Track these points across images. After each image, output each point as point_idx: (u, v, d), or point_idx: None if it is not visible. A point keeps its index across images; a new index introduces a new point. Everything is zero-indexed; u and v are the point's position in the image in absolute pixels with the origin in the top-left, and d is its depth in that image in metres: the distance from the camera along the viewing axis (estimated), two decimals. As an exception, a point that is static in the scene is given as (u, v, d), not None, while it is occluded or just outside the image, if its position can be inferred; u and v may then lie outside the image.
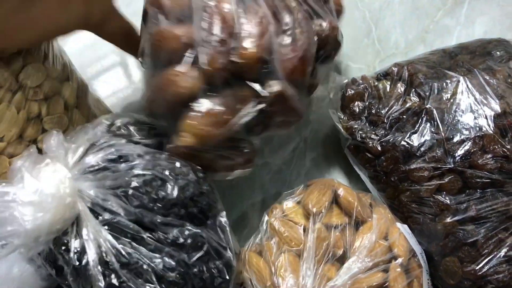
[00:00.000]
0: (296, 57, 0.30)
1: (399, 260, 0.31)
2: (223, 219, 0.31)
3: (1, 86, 0.31)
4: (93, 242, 0.28)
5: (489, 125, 0.34)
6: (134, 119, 0.34)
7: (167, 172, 0.30)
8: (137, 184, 0.29)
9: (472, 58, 0.38)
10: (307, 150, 0.44)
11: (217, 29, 0.29)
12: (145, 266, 0.28)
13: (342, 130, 0.39)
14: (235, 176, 0.33)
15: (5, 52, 0.33)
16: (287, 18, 0.30)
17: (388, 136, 0.36)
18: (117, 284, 0.27)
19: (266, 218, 0.34)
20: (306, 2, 0.31)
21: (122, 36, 0.36)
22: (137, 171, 0.29)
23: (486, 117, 0.34)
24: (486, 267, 0.32)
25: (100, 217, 0.29)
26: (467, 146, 0.34)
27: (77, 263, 0.28)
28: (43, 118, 0.34)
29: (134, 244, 0.28)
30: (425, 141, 0.35)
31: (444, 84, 0.36)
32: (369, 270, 0.30)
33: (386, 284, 0.30)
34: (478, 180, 0.33)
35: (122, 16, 0.35)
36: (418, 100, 0.36)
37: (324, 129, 0.44)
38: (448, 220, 0.33)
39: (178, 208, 0.29)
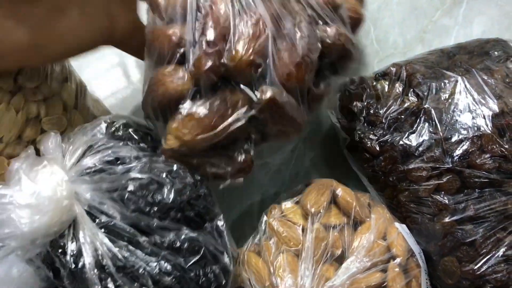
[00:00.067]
0: (292, 62, 0.28)
1: (398, 260, 0.31)
2: (220, 222, 0.31)
3: (0, 88, 0.31)
4: (90, 245, 0.28)
5: (487, 125, 0.34)
6: (133, 121, 0.34)
7: (163, 175, 0.30)
8: (133, 188, 0.29)
9: (470, 58, 0.38)
10: (306, 150, 0.44)
11: (208, 31, 0.29)
12: (141, 270, 0.28)
13: (341, 130, 0.39)
14: (226, 185, 0.32)
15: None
16: (287, 22, 0.29)
17: (386, 136, 0.36)
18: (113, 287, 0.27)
19: (265, 218, 0.34)
20: (311, 7, 0.30)
21: None
22: (133, 174, 0.29)
23: (484, 117, 0.34)
24: (485, 267, 0.32)
25: (97, 220, 0.28)
26: (465, 146, 0.34)
27: (73, 266, 0.28)
28: (41, 119, 0.34)
29: (130, 247, 0.28)
30: (423, 141, 0.35)
31: (442, 84, 0.36)
32: (367, 270, 0.30)
33: (384, 284, 0.30)
34: (476, 179, 0.33)
35: None
36: (416, 100, 0.36)
37: (323, 129, 0.44)
38: (447, 220, 0.33)
39: (175, 212, 0.29)
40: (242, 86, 0.29)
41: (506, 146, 0.33)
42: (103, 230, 0.28)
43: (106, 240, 0.28)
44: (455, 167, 0.33)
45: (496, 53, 0.37)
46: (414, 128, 0.35)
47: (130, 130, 0.33)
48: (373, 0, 0.50)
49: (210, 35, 0.28)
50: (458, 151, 0.34)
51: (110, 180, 0.29)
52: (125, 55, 0.37)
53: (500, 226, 0.33)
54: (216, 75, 0.29)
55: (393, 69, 0.39)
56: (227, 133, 0.29)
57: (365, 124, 0.38)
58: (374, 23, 0.49)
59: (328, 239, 0.31)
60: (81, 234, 0.28)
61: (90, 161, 0.30)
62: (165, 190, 0.29)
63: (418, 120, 0.35)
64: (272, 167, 0.43)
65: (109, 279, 0.27)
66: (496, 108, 0.34)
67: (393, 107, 0.37)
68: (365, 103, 0.38)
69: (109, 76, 0.49)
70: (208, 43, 0.28)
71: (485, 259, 0.32)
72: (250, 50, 0.28)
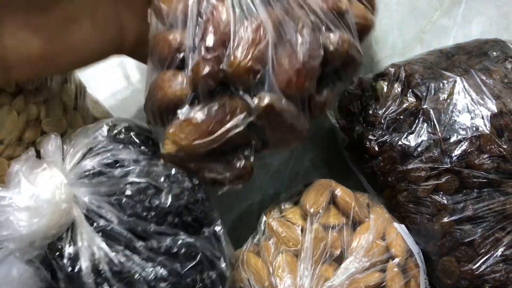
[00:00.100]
0: (292, 69, 0.28)
1: (396, 260, 0.31)
2: (218, 228, 0.31)
3: (2, 90, 0.32)
4: (87, 249, 0.28)
5: (485, 125, 0.34)
6: (135, 125, 0.34)
7: (161, 180, 0.30)
8: (130, 193, 0.29)
9: (468, 58, 0.38)
10: (305, 150, 0.44)
11: (208, 36, 0.28)
12: (137, 275, 0.28)
13: (340, 130, 0.39)
14: (224, 191, 0.32)
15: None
16: (289, 29, 0.28)
17: (385, 137, 0.36)
18: (109, 292, 0.27)
19: (264, 218, 0.34)
20: (315, 13, 0.29)
21: None
22: (131, 179, 0.29)
23: (482, 117, 0.34)
24: (483, 267, 0.32)
25: (95, 224, 0.29)
26: (464, 146, 0.34)
27: (70, 269, 0.28)
28: (42, 121, 0.34)
29: (127, 252, 0.28)
30: (422, 141, 0.35)
31: (441, 84, 0.36)
32: (366, 270, 0.31)
33: (383, 284, 0.30)
34: (475, 180, 0.33)
35: None
36: (415, 100, 0.36)
37: (322, 130, 0.45)
38: (445, 220, 0.33)
39: (172, 217, 0.29)
40: (240, 92, 0.29)
41: (505, 146, 0.33)
42: (100, 234, 0.28)
43: (103, 245, 0.28)
44: (454, 167, 0.33)
45: (494, 53, 0.38)
46: (413, 129, 0.35)
47: (131, 133, 0.33)
48: (372, 0, 0.50)
49: (209, 40, 0.28)
50: (457, 152, 0.34)
51: (109, 184, 0.29)
52: (124, 55, 0.37)
53: (498, 226, 0.33)
54: (215, 81, 0.29)
55: (392, 70, 0.39)
56: (225, 139, 0.29)
57: (364, 125, 0.38)
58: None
59: (327, 239, 0.31)
60: (78, 238, 0.28)
61: (89, 164, 0.30)
62: (163, 195, 0.29)
63: (417, 120, 0.35)
64: (272, 167, 0.43)
65: (105, 284, 0.27)
66: (494, 108, 0.34)
67: (392, 107, 0.37)
68: (364, 104, 0.38)
69: (109, 76, 0.49)
70: (207, 48, 0.28)
71: (483, 259, 0.33)
72: (249, 56, 0.28)
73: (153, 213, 0.29)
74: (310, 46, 0.28)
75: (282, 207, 0.34)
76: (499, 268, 0.32)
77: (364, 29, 0.32)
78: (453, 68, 0.37)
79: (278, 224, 0.32)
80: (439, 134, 0.34)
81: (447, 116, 0.35)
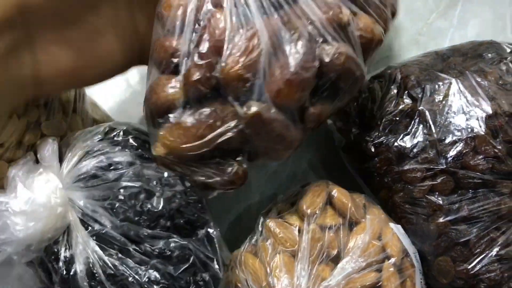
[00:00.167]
0: (283, 79, 0.28)
1: (392, 260, 0.32)
2: (211, 229, 0.32)
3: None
4: (82, 253, 0.29)
5: (480, 127, 0.34)
6: (133, 128, 0.35)
7: (154, 183, 0.30)
8: (123, 197, 0.29)
9: (464, 60, 0.38)
10: (302, 152, 0.44)
11: (202, 43, 0.29)
12: (130, 278, 0.28)
13: (336, 132, 0.40)
14: (214, 195, 0.32)
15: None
16: (284, 39, 0.28)
17: (381, 138, 0.37)
18: (103, 296, 0.28)
19: (261, 219, 0.34)
20: (313, 24, 0.29)
21: None
22: (124, 183, 0.30)
23: (477, 119, 0.34)
24: (478, 266, 0.33)
25: (90, 228, 0.29)
26: (459, 147, 0.34)
27: (65, 272, 0.29)
28: (41, 123, 0.34)
29: (120, 255, 0.29)
30: (417, 142, 0.35)
31: (437, 86, 0.36)
32: (362, 270, 0.31)
33: (379, 284, 0.31)
34: (470, 180, 0.33)
35: None
36: (411, 102, 0.37)
37: (319, 131, 0.45)
38: (441, 220, 0.34)
39: (164, 220, 0.30)
40: (229, 99, 0.29)
41: (499, 147, 0.33)
42: (94, 238, 0.29)
43: (97, 248, 0.29)
44: (449, 168, 0.34)
45: (489, 55, 0.38)
46: (408, 130, 0.36)
47: (129, 136, 0.34)
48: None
49: (203, 47, 0.29)
50: (452, 152, 0.34)
51: (103, 188, 0.30)
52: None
53: (493, 226, 0.33)
54: (206, 87, 0.29)
55: (388, 72, 0.39)
56: (215, 145, 0.29)
57: (361, 126, 0.38)
58: (370, 26, 0.49)
59: (324, 239, 0.32)
60: (74, 242, 0.29)
61: (84, 167, 0.30)
62: (155, 199, 0.30)
63: (413, 122, 0.36)
64: (270, 168, 0.44)
65: (99, 287, 0.28)
66: (489, 109, 0.34)
67: (388, 109, 0.37)
68: (361, 105, 0.39)
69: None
70: (200, 55, 0.29)
71: (479, 259, 0.33)
72: (239, 64, 0.28)
73: (145, 217, 0.30)
74: (303, 57, 0.28)
75: (280, 208, 0.35)
76: (494, 267, 0.33)
77: (369, 43, 0.31)
78: (449, 70, 0.37)
79: (276, 225, 0.33)
80: (435, 135, 0.35)
81: (443, 118, 0.35)
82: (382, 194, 0.37)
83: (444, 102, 0.36)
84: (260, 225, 0.34)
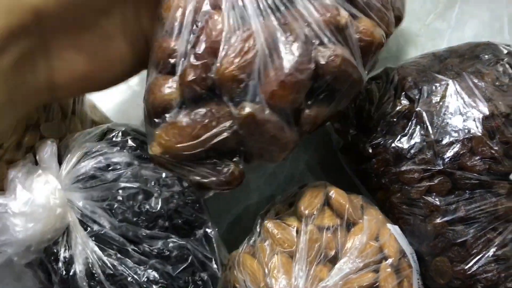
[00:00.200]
0: (277, 80, 0.28)
1: (390, 261, 0.32)
2: (209, 229, 0.32)
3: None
4: (81, 253, 0.29)
5: (477, 127, 0.34)
6: (132, 129, 0.35)
7: (152, 184, 0.31)
8: (121, 198, 0.30)
9: (461, 61, 0.38)
10: (300, 153, 0.45)
11: (199, 44, 0.29)
12: (129, 278, 0.28)
13: (334, 133, 0.40)
14: (210, 195, 0.32)
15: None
16: (281, 40, 0.28)
17: (379, 139, 0.37)
18: (102, 295, 0.28)
19: (259, 220, 0.34)
20: (309, 26, 0.29)
21: None
22: (123, 184, 0.30)
23: (474, 120, 0.34)
24: (475, 267, 0.33)
25: (89, 229, 0.29)
26: (456, 148, 0.34)
27: (64, 273, 0.29)
28: (40, 125, 0.34)
29: (119, 256, 0.29)
30: (415, 143, 0.35)
31: (434, 87, 0.37)
32: (360, 270, 0.31)
33: (376, 284, 0.31)
34: (467, 181, 0.34)
35: None
36: (408, 103, 0.37)
37: (317, 133, 0.45)
38: (438, 220, 0.34)
39: (162, 220, 0.30)
40: (224, 99, 0.29)
41: (496, 148, 0.34)
42: (93, 238, 0.29)
43: (96, 249, 0.29)
44: (446, 169, 0.34)
45: (486, 56, 0.38)
46: (406, 131, 0.36)
47: (128, 138, 0.34)
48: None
49: (199, 48, 0.29)
50: (449, 153, 0.34)
51: (101, 188, 0.30)
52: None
53: (490, 226, 0.33)
54: (201, 87, 0.29)
55: (386, 73, 0.39)
56: (210, 145, 0.29)
57: (358, 127, 0.39)
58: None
59: (321, 240, 0.32)
60: (73, 242, 0.29)
61: (83, 168, 0.30)
62: (153, 199, 0.30)
63: (410, 123, 0.36)
64: (268, 170, 0.44)
65: (98, 287, 0.28)
66: (486, 110, 0.34)
67: (385, 110, 0.37)
68: (358, 106, 0.39)
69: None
70: (196, 55, 0.29)
71: (475, 259, 0.33)
72: (234, 65, 0.28)
73: (143, 218, 0.30)
74: (298, 59, 0.28)
75: (278, 209, 0.35)
76: (491, 268, 0.33)
77: (369, 46, 0.30)
78: (446, 71, 0.38)
79: (274, 226, 0.33)
80: (432, 136, 0.35)
81: (440, 119, 0.35)
82: (379, 195, 0.37)
83: (441, 103, 0.36)
84: (258, 226, 0.34)
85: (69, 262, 0.29)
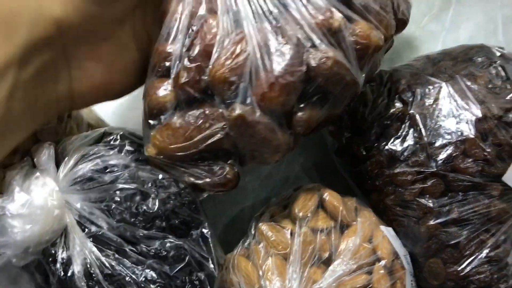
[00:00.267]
0: (267, 82, 0.28)
1: (383, 262, 0.32)
2: (205, 230, 0.32)
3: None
4: (79, 254, 0.29)
5: (470, 130, 0.34)
6: (129, 133, 0.36)
7: (149, 185, 0.31)
8: (119, 199, 0.30)
9: (454, 64, 0.39)
10: (296, 155, 0.45)
11: (193, 47, 0.30)
12: (127, 278, 0.29)
13: (328, 135, 0.40)
14: (204, 197, 0.33)
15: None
16: (273, 43, 0.29)
17: (372, 141, 0.37)
18: (100, 295, 0.28)
19: (254, 222, 0.35)
20: (302, 29, 0.29)
21: None
22: (120, 185, 0.30)
23: (467, 122, 0.35)
24: (468, 268, 0.33)
25: (87, 230, 0.30)
26: (449, 150, 0.34)
27: (62, 274, 0.29)
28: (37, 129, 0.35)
29: (117, 256, 0.29)
30: (408, 145, 0.36)
31: (427, 90, 0.37)
32: (353, 272, 0.31)
33: (370, 286, 0.31)
34: (460, 183, 0.34)
35: None
36: (401, 106, 0.37)
37: (312, 135, 0.45)
38: (431, 222, 0.34)
39: (159, 221, 0.31)
40: (216, 101, 0.30)
41: (489, 150, 0.34)
42: (91, 239, 0.29)
43: (94, 249, 0.29)
44: (439, 171, 0.34)
45: (479, 59, 0.38)
46: (399, 134, 0.36)
47: (125, 141, 0.34)
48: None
49: (193, 51, 0.30)
50: (442, 156, 0.34)
51: (99, 190, 0.30)
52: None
53: (483, 228, 0.33)
54: (195, 89, 0.30)
55: (380, 76, 0.40)
56: (204, 146, 0.30)
57: (352, 130, 0.39)
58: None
59: (315, 242, 0.32)
60: (71, 243, 0.29)
61: (81, 170, 0.31)
62: (150, 200, 0.31)
63: (403, 125, 0.36)
64: (263, 172, 0.44)
65: (96, 287, 0.28)
66: (479, 113, 0.35)
67: (379, 113, 0.38)
68: (352, 109, 0.39)
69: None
70: (190, 58, 0.30)
71: (469, 261, 0.33)
72: (225, 68, 0.28)
73: (141, 218, 0.30)
74: (289, 61, 0.28)
75: (272, 211, 0.35)
76: (484, 269, 0.33)
77: (365, 49, 0.30)
78: (439, 73, 0.38)
79: (268, 228, 0.33)
80: (425, 139, 0.35)
81: (433, 121, 0.35)
82: (373, 197, 0.38)
83: (434, 105, 0.36)
84: (253, 229, 0.34)
85: (67, 263, 0.30)
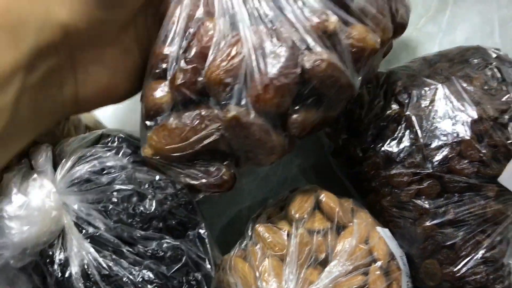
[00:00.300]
0: (261, 84, 0.28)
1: (379, 263, 0.32)
2: (202, 230, 0.33)
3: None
4: (77, 255, 0.29)
5: (466, 131, 0.35)
6: (127, 135, 0.36)
7: (146, 186, 0.31)
8: (116, 200, 0.30)
9: (450, 65, 0.39)
10: (293, 157, 0.45)
11: (190, 49, 0.30)
12: (125, 279, 0.29)
13: (325, 137, 0.40)
14: (200, 198, 0.33)
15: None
16: (268, 45, 0.29)
17: (369, 143, 0.37)
18: (98, 296, 0.28)
19: (251, 224, 0.35)
20: (297, 31, 0.29)
21: None
22: (117, 186, 0.30)
23: (463, 123, 0.35)
24: (464, 269, 0.33)
25: (84, 231, 0.30)
26: (445, 151, 0.35)
27: (60, 275, 0.29)
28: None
29: (114, 257, 0.29)
30: (404, 147, 0.36)
31: (423, 91, 0.37)
32: (349, 273, 0.31)
33: (366, 287, 0.31)
34: (456, 184, 0.34)
35: None
36: (398, 107, 0.37)
37: (309, 136, 0.45)
38: (427, 223, 0.34)
39: (156, 222, 0.31)
40: (211, 102, 0.30)
41: (484, 151, 0.34)
42: (89, 240, 0.29)
43: (92, 250, 0.29)
44: (435, 172, 0.34)
45: (475, 60, 0.38)
46: (395, 135, 0.36)
47: (123, 143, 0.34)
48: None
49: (190, 52, 0.30)
50: (438, 157, 0.35)
51: (96, 191, 0.30)
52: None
53: (479, 229, 0.34)
54: (191, 91, 0.30)
55: (376, 77, 0.40)
56: (200, 147, 0.30)
57: (349, 131, 0.39)
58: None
59: (312, 243, 0.32)
60: (69, 244, 0.29)
61: (78, 172, 0.31)
62: (147, 201, 0.31)
63: (400, 127, 0.36)
64: (260, 173, 0.44)
65: (94, 287, 0.29)
66: (474, 114, 0.35)
67: (375, 114, 0.38)
68: (349, 111, 0.39)
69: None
70: (186, 60, 0.30)
71: (465, 261, 0.34)
72: (220, 69, 0.29)
73: (138, 219, 0.30)
74: (284, 63, 0.28)
75: (269, 212, 0.35)
76: (480, 270, 0.33)
77: (361, 52, 0.30)
78: (435, 75, 0.38)
79: (265, 230, 0.33)
80: (421, 140, 0.35)
81: (429, 123, 0.36)
82: (370, 198, 0.38)
83: (430, 107, 0.36)
84: (250, 230, 0.35)
85: (65, 264, 0.30)
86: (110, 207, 0.30)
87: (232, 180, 0.32)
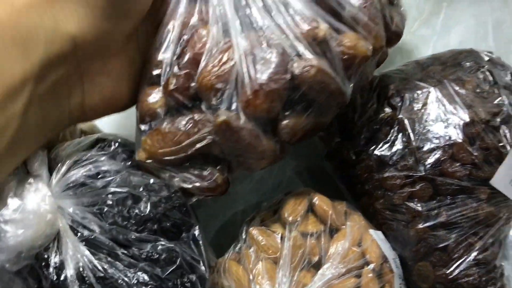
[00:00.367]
0: (251, 89, 0.29)
1: (371, 266, 0.32)
2: (196, 232, 0.33)
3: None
4: (72, 258, 0.29)
5: (458, 134, 0.35)
6: (123, 139, 0.36)
7: (140, 189, 0.32)
8: (111, 202, 0.31)
9: (443, 69, 0.39)
10: (288, 160, 0.45)
11: (183, 55, 0.31)
12: (120, 281, 0.29)
13: (319, 140, 0.41)
14: (193, 201, 0.34)
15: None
16: (259, 52, 0.29)
17: (362, 146, 0.38)
18: (93, 299, 0.29)
19: (245, 227, 0.35)
20: (287, 38, 0.29)
21: None
22: (112, 189, 0.31)
23: (455, 126, 0.35)
24: (457, 271, 0.34)
25: (79, 234, 0.30)
26: (437, 154, 0.35)
27: (55, 278, 0.29)
28: (30, 136, 0.35)
29: (109, 259, 0.30)
30: (397, 150, 0.36)
31: (416, 94, 0.37)
32: (342, 276, 0.32)
33: (359, 289, 0.32)
34: (448, 187, 0.34)
35: None
36: (390, 110, 0.38)
37: (302, 142, 0.46)
38: (420, 226, 0.35)
39: (151, 224, 0.31)
40: (203, 107, 0.30)
41: (476, 154, 0.34)
42: (84, 243, 0.30)
43: (87, 253, 0.29)
44: (428, 175, 0.35)
45: (468, 64, 0.39)
46: (388, 138, 0.37)
47: (119, 148, 0.35)
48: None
49: (183, 58, 0.31)
50: (430, 160, 0.35)
51: (91, 194, 0.31)
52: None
53: (471, 231, 0.34)
54: (184, 96, 0.31)
55: (369, 81, 0.40)
56: (192, 151, 0.31)
57: (342, 135, 0.39)
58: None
59: (305, 246, 0.33)
60: (64, 247, 0.30)
61: (73, 176, 0.31)
62: (141, 204, 0.31)
63: (392, 130, 0.37)
64: (255, 176, 0.44)
65: (89, 290, 0.29)
66: (466, 117, 0.35)
67: (368, 117, 0.38)
68: (342, 114, 0.40)
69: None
70: (179, 66, 0.31)
71: (457, 264, 0.34)
72: (211, 75, 0.29)
73: (133, 221, 0.31)
74: (273, 69, 0.29)
75: (263, 216, 0.35)
76: (472, 272, 0.34)
77: (351, 59, 0.30)
78: (428, 78, 0.38)
79: (259, 233, 0.34)
80: (414, 143, 0.35)
81: (421, 126, 0.36)
82: (363, 201, 0.38)
83: (422, 110, 0.36)
84: (244, 233, 0.35)
85: (60, 268, 0.30)
86: (105, 209, 0.31)
87: (225, 184, 0.33)
